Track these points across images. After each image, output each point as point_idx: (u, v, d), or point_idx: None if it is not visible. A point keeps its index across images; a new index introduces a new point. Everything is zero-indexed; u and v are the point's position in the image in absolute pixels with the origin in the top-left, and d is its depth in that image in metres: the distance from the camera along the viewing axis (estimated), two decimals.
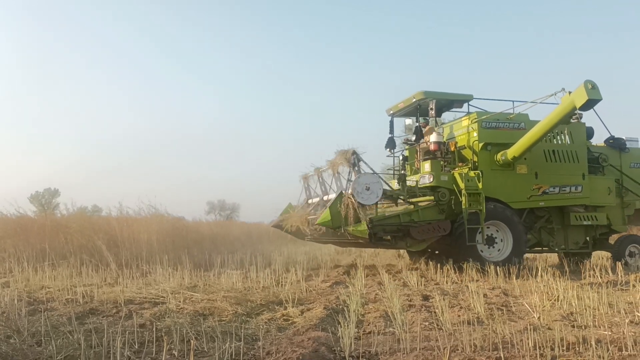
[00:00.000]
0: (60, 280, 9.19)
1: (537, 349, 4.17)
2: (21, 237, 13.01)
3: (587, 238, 13.08)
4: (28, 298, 7.19)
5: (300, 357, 3.88)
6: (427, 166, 11.92)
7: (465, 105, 12.60)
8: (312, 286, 8.75)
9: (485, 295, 7.25)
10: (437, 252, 12.83)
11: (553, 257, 14.99)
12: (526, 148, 11.43)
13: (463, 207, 11.12)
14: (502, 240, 11.63)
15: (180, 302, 6.80)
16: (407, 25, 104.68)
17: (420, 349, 4.31)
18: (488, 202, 11.40)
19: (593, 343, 4.19)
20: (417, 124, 12.85)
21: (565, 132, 12.44)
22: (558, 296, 6.83)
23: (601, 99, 10.07)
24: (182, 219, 17.76)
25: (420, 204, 11.43)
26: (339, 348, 4.42)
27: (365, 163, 10.94)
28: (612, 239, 13.63)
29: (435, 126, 13.03)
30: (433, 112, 12.06)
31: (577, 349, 4.25)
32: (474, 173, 11.58)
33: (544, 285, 7.93)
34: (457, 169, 12.04)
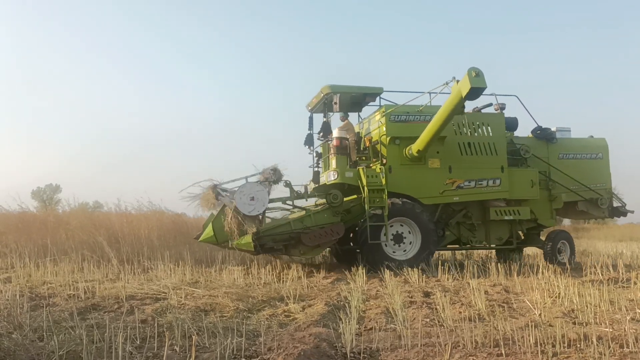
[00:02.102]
0: (61, 275, 9.20)
1: (538, 346, 4.18)
2: (23, 232, 13.05)
3: (518, 233, 12.77)
4: (30, 293, 7.21)
5: (302, 353, 3.89)
6: (333, 163, 11.61)
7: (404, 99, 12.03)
8: (313, 282, 8.76)
9: (486, 292, 7.26)
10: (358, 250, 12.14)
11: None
12: (427, 141, 11.00)
13: (365, 203, 10.87)
14: (410, 238, 11.24)
15: (181, 298, 6.81)
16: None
17: (421, 345, 4.32)
18: (396, 198, 11.16)
19: (594, 340, 4.19)
20: (325, 119, 12.22)
21: (483, 123, 12.06)
22: (559, 293, 6.83)
23: (485, 87, 9.60)
24: (183, 215, 17.78)
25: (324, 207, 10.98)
26: (340, 344, 4.42)
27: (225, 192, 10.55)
28: (544, 234, 13.42)
29: (362, 120, 12.89)
30: (337, 106, 11.68)
31: (578, 345, 4.25)
32: (379, 168, 11.34)
33: (545, 282, 7.92)
34: (372, 165, 11.77)
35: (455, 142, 11.83)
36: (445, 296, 6.61)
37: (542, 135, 12.93)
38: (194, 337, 4.11)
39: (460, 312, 5.87)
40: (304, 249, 10.45)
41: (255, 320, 5.58)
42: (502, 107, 12.59)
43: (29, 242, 12.51)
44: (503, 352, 4.08)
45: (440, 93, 11.24)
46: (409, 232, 11.24)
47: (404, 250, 11.15)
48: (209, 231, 10.43)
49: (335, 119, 12.66)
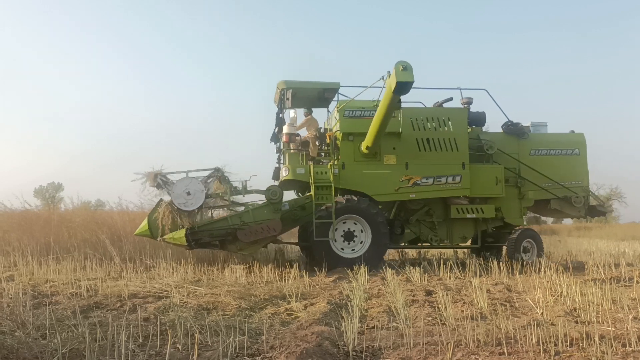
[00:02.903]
0: (64, 274, 9.22)
1: (541, 345, 4.17)
2: (26, 231, 13.06)
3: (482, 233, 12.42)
4: (33, 292, 7.21)
5: (304, 352, 3.89)
6: (286, 159, 11.61)
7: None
8: (315, 281, 8.77)
9: (488, 291, 7.25)
10: None
11: (557, 253, 14.97)
12: (373, 138, 10.73)
13: (313, 200, 10.82)
14: (361, 236, 11.07)
15: (184, 296, 6.82)
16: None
17: (423, 344, 4.32)
18: (347, 196, 11.06)
19: (597, 339, 4.18)
20: (280, 115, 12.10)
21: (444, 118, 11.70)
22: (561, 292, 6.82)
23: (412, 81, 9.22)
24: None
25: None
26: (342, 342, 4.43)
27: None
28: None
29: (330, 116, 12.69)
30: (289, 102, 11.66)
31: (581, 344, 4.24)
32: (330, 165, 11.26)
33: (547, 281, 7.92)
34: (333, 161, 11.57)
35: (413, 138, 11.51)
36: (447, 295, 6.61)
37: (512, 130, 12.41)
38: (196, 335, 4.11)
39: (462, 311, 5.87)
40: (241, 245, 10.39)
41: (258, 319, 5.59)
42: (469, 101, 12.32)
43: (31, 241, 12.52)
44: (505, 350, 4.08)
45: (382, 87, 10.61)
46: (361, 230, 11.06)
47: (353, 249, 10.99)
48: (144, 225, 10.40)
49: (300, 115, 12.58)
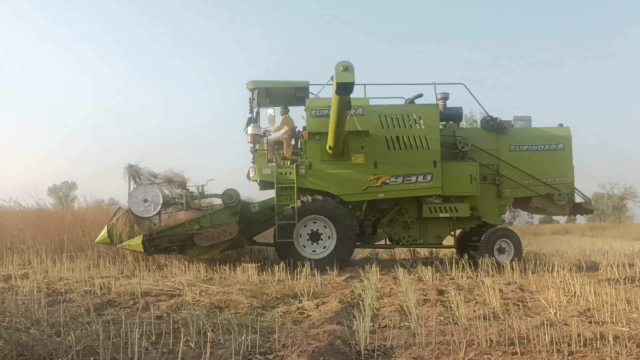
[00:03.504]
0: (78, 272, 9.30)
1: (554, 345, 4.14)
2: (40, 229, 13.18)
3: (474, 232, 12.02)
4: (47, 289, 7.28)
5: (316, 350, 3.90)
6: (255, 159, 11.59)
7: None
8: (326, 280, 8.77)
9: (501, 291, 7.21)
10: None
11: (570, 252, 14.85)
12: (333, 137, 10.45)
13: (275, 201, 10.84)
14: (328, 237, 10.94)
15: (196, 294, 6.85)
16: None
17: (435, 343, 4.31)
18: (310, 196, 10.93)
19: (611, 339, 4.15)
20: (250, 115, 11.82)
21: (414, 115, 11.30)
22: (575, 292, 6.78)
23: (352, 82, 8.98)
24: None
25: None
26: (354, 341, 4.43)
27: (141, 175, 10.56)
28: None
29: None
30: (255, 102, 11.52)
31: (595, 345, 4.21)
32: (294, 166, 11.10)
33: (561, 281, 7.86)
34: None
35: (382, 136, 11.19)
36: (459, 294, 6.58)
37: (491, 125, 11.89)
38: (209, 333, 4.13)
39: (474, 311, 5.84)
40: (200, 249, 10.32)
41: (270, 317, 5.61)
42: (444, 97, 11.96)
43: (45, 239, 12.64)
44: (518, 350, 4.06)
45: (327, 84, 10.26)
46: (327, 231, 10.95)
47: (317, 250, 10.93)
48: (103, 233, 10.45)
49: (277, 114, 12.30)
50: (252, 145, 11.58)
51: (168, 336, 4.50)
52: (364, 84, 11.44)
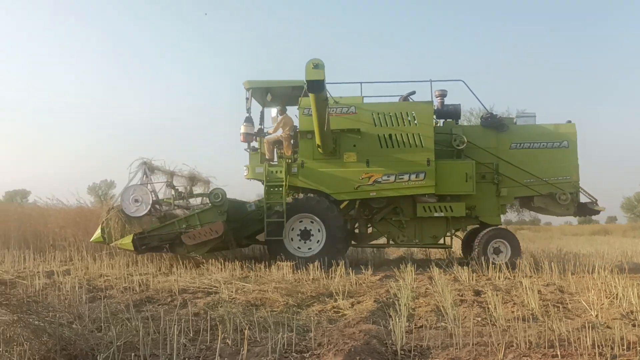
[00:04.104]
0: (117, 268, 9.50)
1: (596, 348, 4.05)
2: (81, 226, 13.48)
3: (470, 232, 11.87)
4: (88, 285, 7.47)
5: (352, 350, 3.89)
6: (249, 158, 11.66)
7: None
8: (361, 279, 8.75)
9: (539, 292, 7.07)
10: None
11: (611, 253, 14.47)
12: (319, 136, 10.42)
13: (264, 200, 10.90)
14: (318, 235, 10.93)
15: (232, 292, 6.92)
16: None
17: (473, 345, 4.26)
18: (301, 194, 11.07)
19: None
20: (248, 114, 11.77)
21: (407, 113, 11.06)
22: (617, 294, 6.60)
23: (321, 79, 9.00)
24: None
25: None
26: (390, 341, 4.41)
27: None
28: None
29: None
30: (249, 102, 11.55)
31: (639, 348, 4.10)
32: (283, 164, 11.10)
33: (602, 283, 7.67)
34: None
35: (375, 134, 11.05)
36: (496, 295, 6.49)
37: (490, 122, 11.47)
38: (246, 331, 4.17)
39: (512, 312, 5.75)
40: (189, 248, 10.43)
41: (305, 316, 5.63)
42: (442, 94, 11.67)
43: (86, 236, 12.91)
44: (558, 353, 3.98)
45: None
46: (318, 229, 10.95)
47: (310, 248, 10.92)
48: (98, 232, 10.73)
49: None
50: (246, 144, 11.72)
51: (205, 333, 4.55)
52: (360, 82, 11.37)
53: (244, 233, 11.55)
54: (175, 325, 4.22)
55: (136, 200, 10.62)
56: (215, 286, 7.51)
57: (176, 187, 11.25)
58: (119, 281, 8.10)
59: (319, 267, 9.36)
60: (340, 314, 5.83)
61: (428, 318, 5.51)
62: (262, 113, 12.65)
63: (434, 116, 11.58)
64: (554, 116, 29.48)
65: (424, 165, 10.89)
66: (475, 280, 8.71)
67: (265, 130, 12.25)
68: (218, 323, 4.87)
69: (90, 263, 10.35)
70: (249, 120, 11.66)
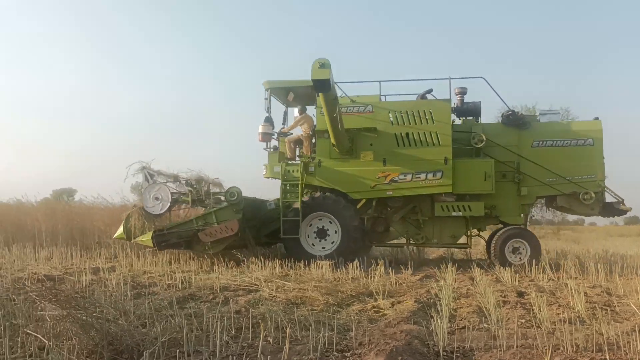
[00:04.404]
0: (160, 266, 9.69)
1: None
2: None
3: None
4: (132, 282, 7.62)
5: (394, 350, 3.87)
6: (268, 157, 11.81)
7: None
8: (401, 279, 8.68)
9: (585, 294, 6.88)
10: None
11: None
12: (333, 135, 10.51)
13: (280, 198, 11.05)
14: (335, 233, 11.01)
15: (272, 290, 6.97)
16: None
17: (517, 347, 4.18)
18: (318, 193, 11.15)
19: None
20: (268, 114, 11.88)
21: (425, 111, 10.98)
22: None
23: (326, 79, 8.95)
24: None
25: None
26: (432, 342, 4.37)
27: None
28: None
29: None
30: (267, 102, 11.62)
31: None
32: (300, 163, 11.22)
33: None
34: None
35: (392, 133, 11.03)
36: (541, 297, 6.35)
37: (511, 120, 11.19)
38: (287, 329, 4.19)
39: (557, 314, 5.63)
40: (206, 245, 10.62)
41: (345, 315, 5.62)
42: (462, 91, 11.47)
43: None
44: (607, 357, 3.86)
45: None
46: (334, 229, 11.04)
47: (325, 247, 11.03)
48: (120, 229, 11.18)
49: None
50: (265, 143, 11.87)
51: (247, 331, 4.59)
52: (379, 81, 11.38)
53: (264, 231, 11.73)
54: (218, 323, 4.27)
55: (156, 199, 11.02)
56: (255, 284, 7.58)
57: (194, 186, 11.55)
58: (162, 278, 8.25)
59: (358, 266, 9.34)
60: (380, 314, 5.81)
61: (470, 319, 5.43)
62: (285, 113, 12.84)
63: (454, 114, 11.47)
64: (593, 113, 28.82)
65: (441, 163, 10.81)
66: (518, 281, 8.55)
67: (280, 129, 12.44)
68: (260, 321, 4.91)
69: (134, 260, 10.58)
70: (267, 120, 11.83)
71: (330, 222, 11.07)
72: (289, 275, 8.79)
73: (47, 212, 15.42)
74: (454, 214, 11.00)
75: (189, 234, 10.65)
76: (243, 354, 3.99)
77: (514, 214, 11.22)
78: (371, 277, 8.44)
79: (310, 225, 11.12)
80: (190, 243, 10.74)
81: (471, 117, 11.69)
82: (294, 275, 8.68)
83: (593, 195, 10.82)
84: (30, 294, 5.04)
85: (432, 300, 6.52)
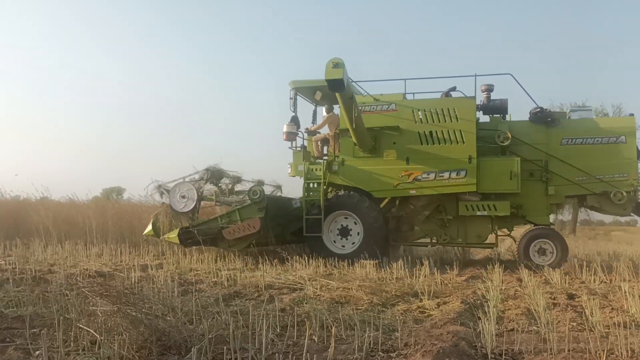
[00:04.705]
0: (206, 263, 9.83)
1: None
2: None
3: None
4: (179, 279, 7.76)
5: (440, 351, 3.82)
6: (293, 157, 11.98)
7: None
8: (446, 279, 8.56)
9: None
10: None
11: None
12: (353, 134, 10.56)
13: (303, 197, 11.16)
14: (357, 233, 10.99)
15: (317, 289, 6.99)
16: None
17: (568, 351, 4.06)
18: (341, 191, 11.38)
19: None
20: (294, 114, 12.03)
21: (449, 109, 10.82)
22: None
23: (340, 78, 8.98)
24: None
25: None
26: (479, 344, 4.29)
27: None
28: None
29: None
30: (292, 101, 11.69)
31: None
32: (323, 162, 11.35)
33: None
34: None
35: (415, 131, 10.91)
36: (593, 299, 6.15)
37: (540, 117, 10.90)
38: (332, 328, 4.19)
39: (611, 318, 5.43)
40: (230, 242, 10.87)
41: (390, 315, 5.58)
42: (489, 88, 11.29)
43: None
44: None
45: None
46: (357, 227, 11.04)
47: (346, 245, 11.09)
48: (149, 227, 11.78)
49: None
50: (290, 142, 12.04)
51: (292, 329, 4.62)
52: (404, 79, 11.33)
53: (289, 229, 11.83)
54: (264, 320, 4.30)
55: (183, 197, 11.38)
56: (300, 283, 7.61)
57: (219, 185, 12.01)
58: (208, 276, 8.37)
59: (403, 266, 9.27)
60: (426, 314, 5.75)
61: (519, 321, 5.31)
62: (314, 112, 12.99)
63: (480, 112, 11.35)
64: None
65: (465, 162, 10.63)
66: (568, 283, 8.32)
67: (307, 128, 12.65)
68: (305, 319, 4.92)
69: (181, 258, 10.78)
70: (293, 120, 12.02)
71: (355, 223, 11.09)
72: (333, 274, 8.78)
73: (98, 210, 15.87)
74: (478, 213, 10.84)
75: (213, 231, 10.94)
76: (289, 352, 4.01)
77: (541, 214, 10.99)
78: (416, 277, 8.36)
79: (335, 221, 11.21)
80: (215, 240, 11.06)
81: (498, 115, 11.49)
82: (338, 275, 8.67)
83: (625, 194, 10.46)
84: (83, 289, 5.18)
85: (478, 302, 6.40)
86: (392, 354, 4.05)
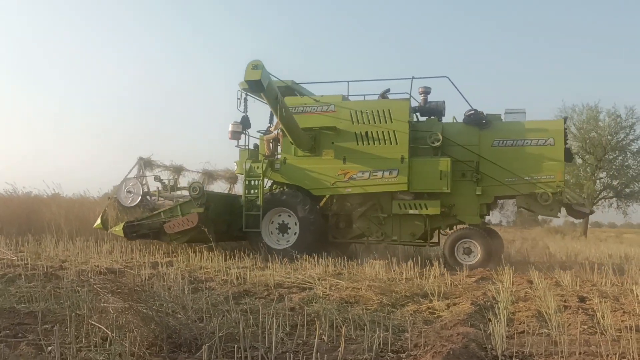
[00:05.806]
0: (216, 261, 9.86)
1: None
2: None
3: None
4: (189, 277, 7.79)
5: (451, 352, 3.81)
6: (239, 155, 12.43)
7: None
8: (456, 280, 8.55)
9: None
10: None
11: None
12: (287, 133, 11.17)
13: (243, 193, 11.74)
14: (294, 228, 11.56)
15: (326, 288, 6.98)
16: None
17: (580, 354, 4.04)
18: (282, 189, 11.83)
19: None
20: (244, 114, 12.19)
21: (383, 111, 11.14)
22: None
23: (257, 79, 9.59)
24: None
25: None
26: (489, 346, 4.27)
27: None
28: None
29: None
30: (240, 102, 11.89)
31: None
32: (263, 160, 11.76)
33: None
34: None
35: (352, 132, 11.32)
36: (604, 302, 6.11)
37: (472, 119, 11.07)
38: (342, 328, 4.19)
39: (622, 321, 5.40)
40: (171, 236, 11.40)
41: (400, 315, 5.57)
42: (426, 91, 11.67)
43: None
44: None
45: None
46: (295, 223, 11.53)
47: (282, 240, 11.65)
48: (98, 220, 12.36)
49: None
50: (236, 141, 12.38)
51: (302, 328, 4.62)
52: (347, 81, 11.87)
53: (237, 225, 12.05)
54: (274, 319, 4.31)
55: (129, 192, 12.00)
56: (309, 282, 7.61)
57: (162, 180, 12.55)
58: (217, 274, 8.40)
59: (412, 266, 9.26)
60: (435, 315, 5.73)
61: (529, 323, 5.28)
62: (271, 112, 13.19)
63: (417, 113, 11.83)
64: None
65: (397, 162, 10.99)
66: (579, 285, 8.26)
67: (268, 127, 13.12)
68: (314, 319, 4.93)
69: (191, 255, 10.81)
70: (243, 120, 12.32)
71: (295, 222, 11.52)
72: (342, 273, 8.78)
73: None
74: (410, 211, 11.06)
75: (157, 226, 11.40)
76: (299, 352, 4.02)
77: (472, 214, 11.11)
78: (425, 277, 8.35)
79: (275, 217, 11.74)
80: (158, 234, 11.53)
81: (434, 117, 11.81)
82: (347, 274, 8.67)
83: (550, 195, 10.54)
84: (94, 286, 5.22)
85: (489, 303, 6.38)
86: (401, 355, 4.05)
